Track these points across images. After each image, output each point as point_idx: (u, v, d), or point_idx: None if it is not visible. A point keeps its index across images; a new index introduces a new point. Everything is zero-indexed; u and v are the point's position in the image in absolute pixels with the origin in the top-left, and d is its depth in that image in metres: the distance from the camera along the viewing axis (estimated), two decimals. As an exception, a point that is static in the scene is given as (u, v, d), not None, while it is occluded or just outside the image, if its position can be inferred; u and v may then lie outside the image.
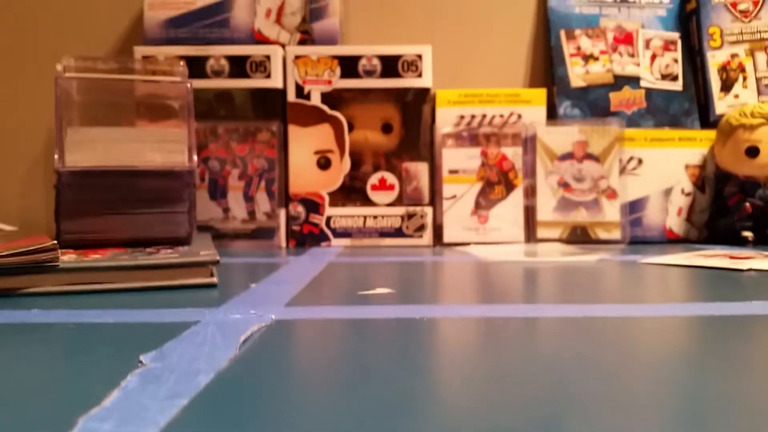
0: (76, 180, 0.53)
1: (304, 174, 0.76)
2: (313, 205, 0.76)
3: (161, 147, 0.56)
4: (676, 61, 0.87)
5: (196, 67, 0.74)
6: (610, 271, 0.53)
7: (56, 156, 0.53)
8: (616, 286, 0.45)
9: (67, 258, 0.45)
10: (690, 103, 0.87)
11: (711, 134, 0.81)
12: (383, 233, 0.76)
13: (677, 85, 0.87)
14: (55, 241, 0.42)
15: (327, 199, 0.76)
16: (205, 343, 0.27)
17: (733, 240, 0.77)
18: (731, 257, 0.60)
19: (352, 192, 0.77)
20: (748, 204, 0.76)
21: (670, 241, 0.80)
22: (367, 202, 0.77)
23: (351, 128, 0.77)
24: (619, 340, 0.28)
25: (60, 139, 0.54)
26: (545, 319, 0.33)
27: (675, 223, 0.80)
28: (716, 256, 0.61)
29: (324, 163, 0.77)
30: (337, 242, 0.76)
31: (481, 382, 0.22)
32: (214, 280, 0.44)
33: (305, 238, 0.76)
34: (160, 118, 0.61)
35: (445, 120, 0.80)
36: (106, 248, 0.51)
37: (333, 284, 0.46)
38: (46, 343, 0.28)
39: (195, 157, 0.56)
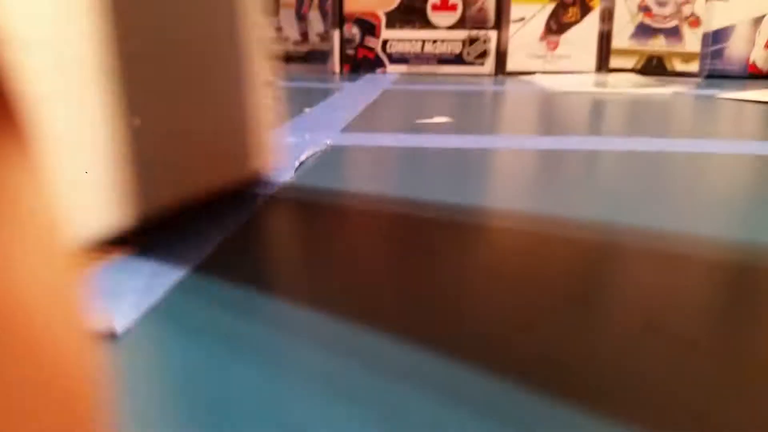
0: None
1: (360, -8, 0.71)
2: (368, 27, 0.72)
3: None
4: None
5: None
6: (685, 106, 0.49)
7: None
8: (689, 120, 0.42)
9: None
10: None
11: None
12: (442, 60, 0.72)
13: None
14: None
15: (384, 19, 0.72)
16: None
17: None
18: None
19: (411, 12, 0.72)
20: None
21: (751, 76, 0.74)
22: (427, 24, 0.72)
23: (411, -60, 0.70)
24: (686, 176, 0.26)
25: None
26: (611, 153, 0.31)
27: (760, 57, 0.73)
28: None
29: (381, -19, 0.71)
30: (392, 68, 0.73)
31: (537, 212, 0.21)
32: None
33: (360, 63, 0.73)
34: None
35: (516, -68, 0.72)
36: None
37: (388, 112, 0.44)
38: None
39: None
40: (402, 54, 0.72)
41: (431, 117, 0.41)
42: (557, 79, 0.65)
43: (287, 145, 0.31)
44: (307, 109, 0.43)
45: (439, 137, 0.35)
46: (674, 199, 0.23)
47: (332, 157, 0.29)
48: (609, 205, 0.22)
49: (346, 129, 0.37)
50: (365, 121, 0.40)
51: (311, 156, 0.29)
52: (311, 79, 0.64)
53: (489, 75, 0.72)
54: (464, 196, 0.23)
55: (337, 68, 0.73)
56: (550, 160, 0.30)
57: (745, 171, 0.28)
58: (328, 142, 0.32)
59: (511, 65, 0.72)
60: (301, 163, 0.28)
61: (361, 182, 0.25)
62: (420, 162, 0.29)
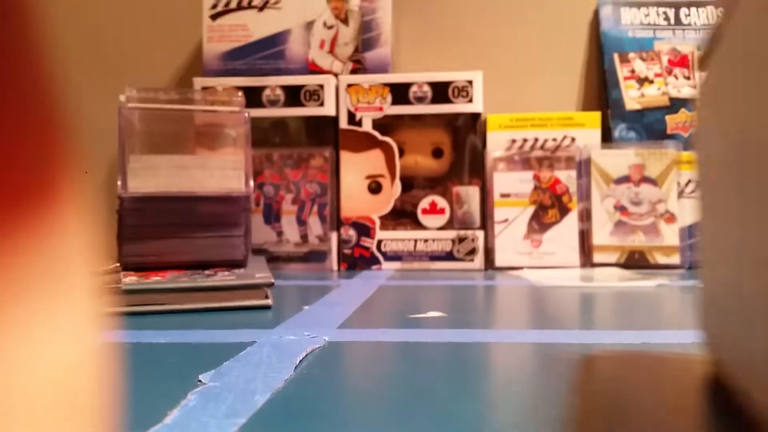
0: (137, 205, 0.55)
1: (356, 198, 0.77)
2: (364, 229, 0.76)
3: (219, 173, 0.58)
4: (735, 81, 0.85)
5: (253, 96, 0.76)
6: (670, 297, 0.51)
7: (119, 182, 0.56)
8: (676, 312, 0.44)
9: (129, 280, 0.46)
10: (751, 124, 0.84)
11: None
12: (434, 257, 0.76)
13: (737, 106, 0.84)
14: (117, 264, 0.43)
15: (378, 222, 0.76)
16: (261, 364, 0.28)
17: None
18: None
19: (402, 216, 0.77)
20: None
21: (732, 266, 0.77)
22: (418, 225, 0.77)
23: (402, 153, 0.77)
24: (679, 369, 0.27)
25: (122, 165, 0.56)
26: (602, 346, 0.32)
27: (737, 248, 0.77)
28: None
29: (375, 188, 0.77)
30: (387, 265, 0.76)
31: (535, 409, 0.22)
32: (269, 302, 0.45)
33: (356, 261, 0.76)
34: (219, 146, 0.63)
35: (497, 143, 0.80)
36: (166, 270, 0.53)
37: (384, 307, 0.46)
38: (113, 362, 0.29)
39: (251, 183, 0.58)
40: (396, 252, 0.76)
41: (425, 312, 0.43)
42: (545, 274, 0.68)
43: (287, 344, 0.32)
44: (305, 307, 0.45)
45: (433, 332, 0.36)
46: (665, 394, 0.24)
47: (329, 353, 0.31)
48: (601, 404, 0.23)
49: (344, 325, 0.38)
50: (362, 317, 0.42)
51: (310, 353, 0.30)
52: (310, 278, 0.67)
53: (479, 270, 0.75)
54: (458, 390, 0.24)
55: (335, 266, 0.76)
56: (543, 354, 0.31)
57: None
58: (326, 339, 0.33)
59: (499, 261, 0.76)
60: (301, 361, 0.29)
61: (357, 379, 0.26)
62: (415, 357, 0.30)
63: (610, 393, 0.23)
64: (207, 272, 0.52)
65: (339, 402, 0.23)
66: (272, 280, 0.46)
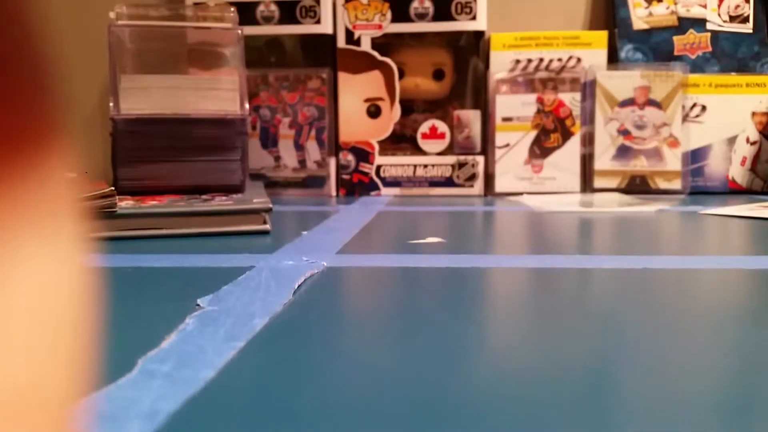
0: (131, 127, 0.54)
1: (354, 122, 0.76)
2: (362, 154, 0.75)
3: (213, 95, 0.56)
4: (747, 0, 0.82)
5: (246, 13, 0.73)
6: (670, 223, 0.51)
7: (111, 104, 0.54)
8: (675, 237, 0.44)
9: (125, 204, 0.46)
10: (761, 46, 0.82)
11: (783, 78, 0.76)
12: (433, 182, 0.75)
13: (747, 28, 0.82)
14: (113, 188, 0.43)
15: (377, 147, 0.75)
16: (259, 288, 0.28)
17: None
18: (800, 209, 0.57)
19: (402, 140, 0.76)
20: (820, 153, 0.72)
21: (732, 191, 0.77)
22: (418, 150, 0.76)
23: (401, 75, 0.75)
24: (677, 293, 0.27)
25: (114, 86, 0.54)
26: (600, 271, 0.32)
27: (738, 173, 0.77)
28: (784, 208, 0.58)
29: (374, 111, 0.76)
30: (386, 191, 0.76)
31: (532, 332, 0.22)
32: (268, 227, 0.45)
33: (355, 186, 0.76)
34: (212, 65, 0.61)
35: (500, 65, 0.77)
36: (163, 195, 0.52)
37: (383, 233, 0.46)
38: (105, 288, 0.29)
39: (246, 105, 0.56)
40: (395, 177, 0.75)
41: (424, 238, 0.43)
42: (544, 199, 0.67)
43: (285, 268, 0.32)
44: (304, 233, 0.45)
45: (431, 257, 0.36)
46: (662, 318, 0.24)
47: (328, 278, 0.31)
48: (598, 326, 0.23)
49: (342, 251, 0.38)
50: (361, 243, 0.41)
51: (309, 278, 0.30)
52: (309, 203, 0.67)
53: (479, 196, 0.75)
54: (457, 315, 0.24)
55: (333, 192, 0.75)
56: (542, 278, 0.31)
57: (734, 286, 0.29)
58: (325, 264, 0.33)
59: (499, 187, 0.75)
60: (299, 286, 0.29)
61: (355, 304, 0.26)
62: (413, 282, 0.30)
63: (606, 313, 0.23)
64: (204, 197, 0.51)
65: (337, 326, 0.22)
66: (270, 206, 0.45)
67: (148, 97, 0.55)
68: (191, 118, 0.55)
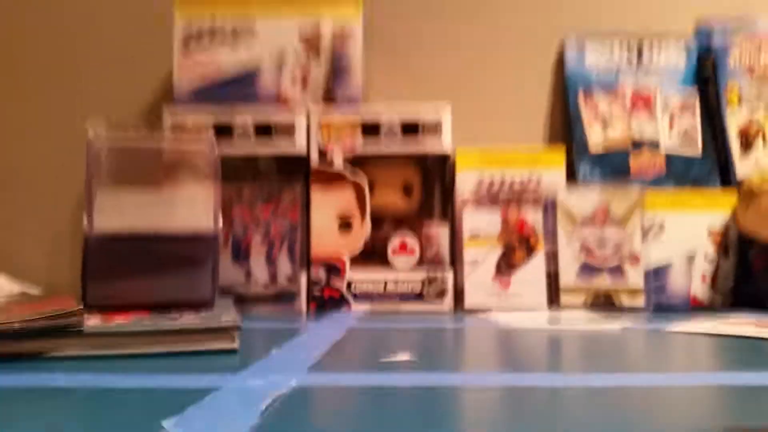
0: (103, 245, 0.54)
1: (326, 237, 0.77)
2: (334, 269, 0.76)
3: (187, 211, 0.57)
4: (694, 127, 0.88)
5: (222, 131, 0.76)
6: (635, 340, 0.52)
7: (85, 221, 0.55)
8: (641, 355, 0.44)
9: (92, 322, 0.45)
10: (710, 167, 0.87)
11: (731, 197, 0.80)
12: (404, 298, 0.76)
13: (696, 151, 0.87)
14: (81, 306, 0.42)
15: (348, 263, 0.76)
16: (225, 411, 0.27)
17: (759, 306, 0.76)
18: (757, 325, 0.59)
19: (372, 255, 0.77)
20: (774, 270, 0.75)
21: (694, 308, 0.79)
22: (388, 266, 0.77)
23: (371, 191, 0.78)
24: (645, 411, 0.28)
25: (89, 204, 0.55)
26: (569, 389, 0.32)
27: (699, 290, 0.79)
28: (742, 324, 0.60)
29: (345, 226, 0.77)
30: (357, 307, 0.76)
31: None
32: (236, 345, 0.45)
33: (326, 302, 0.76)
34: (187, 182, 0.62)
35: (466, 183, 0.80)
36: (130, 312, 0.52)
37: (354, 350, 0.46)
38: (69, 408, 0.28)
39: (220, 221, 0.57)
40: (366, 293, 0.76)
41: (394, 355, 0.43)
42: (513, 316, 0.68)
43: (253, 389, 0.32)
44: (273, 350, 0.45)
45: (402, 376, 0.36)
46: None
47: (297, 398, 0.30)
48: (563, 442, 0.23)
49: (312, 369, 0.38)
50: (331, 361, 0.41)
51: (277, 399, 0.30)
52: (279, 320, 0.66)
53: (448, 312, 0.75)
54: (425, 436, 0.24)
55: (303, 308, 0.75)
56: (510, 397, 0.31)
57: (699, 403, 0.30)
58: (294, 384, 0.33)
59: (468, 303, 0.76)
60: (267, 407, 0.28)
61: (325, 425, 0.26)
62: (385, 402, 0.30)
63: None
64: (172, 314, 0.51)
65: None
66: (239, 323, 0.45)
67: (122, 214, 0.56)
68: (164, 236, 0.55)
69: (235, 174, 0.76)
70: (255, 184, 0.76)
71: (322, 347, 0.47)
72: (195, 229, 0.56)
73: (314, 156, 0.77)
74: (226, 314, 0.50)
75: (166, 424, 0.25)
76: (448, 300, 0.76)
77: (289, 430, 0.25)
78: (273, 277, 0.74)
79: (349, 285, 0.76)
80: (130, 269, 0.54)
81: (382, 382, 0.34)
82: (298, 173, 0.77)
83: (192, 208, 0.57)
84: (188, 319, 0.47)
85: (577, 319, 0.66)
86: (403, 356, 0.43)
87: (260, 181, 0.77)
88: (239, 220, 0.75)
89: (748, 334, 0.54)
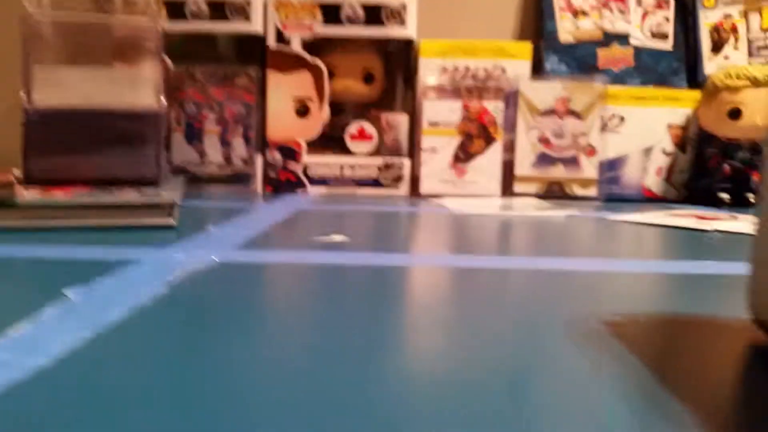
0: (43, 119, 0.53)
1: (282, 121, 0.76)
2: (290, 153, 0.76)
3: (130, 88, 0.55)
4: (667, 19, 0.86)
5: (175, 8, 0.72)
6: (576, 227, 0.53)
7: (23, 94, 0.53)
8: (576, 241, 0.45)
9: (29, 195, 0.45)
10: (679, 63, 0.85)
11: (696, 94, 0.80)
12: (360, 183, 0.76)
13: (667, 44, 0.85)
14: (13, 178, 0.42)
15: (305, 146, 0.76)
16: (135, 281, 0.28)
17: (711, 201, 0.77)
18: (699, 218, 0.60)
19: (330, 141, 0.77)
20: (727, 166, 0.76)
21: (647, 200, 0.80)
22: (345, 151, 0.76)
23: (332, 77, 0.76)
24: (579, 291, 0.29)
25: (26, 77, 0.53)
26: (514, 271, 0.33)
27: (653, 183, 0.80)
28: (685, 216, 0.61)
29: (302, 111, 0.76)
30: (313, 190, 0.76)
31: (436, 329, 0.23)
32: (171, 221, 0.45)
33: (282, 185, 0.76)
34: (132, 59, 0.60)
35: (428, 71, 0.79)
36: (72, 186, 0.52)
37: (292, 231, 0.47)
38: (-17, 276, 0.29)
39: (163, 100, 0.56)
40: (322, 176, 0.76)
41: (329, 235, 0.44)
42: (466, 202, 0.69)
43: (172, 262, 0.32)
44: (211, 228, 0.45)
45: (332, 254, 0.37)
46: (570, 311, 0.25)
47: (215, 273, 0.31)
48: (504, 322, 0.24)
49: (243, 246, 0.38)
50: (266, 239, 0.42)
51: (190, 272, 0.30)
52: (233, 200, 0.67)
53: (404, 197, 0.76)
54: (334, 310, 0.25)
55: (259, 189, 0.75)
56: (449, 275, 0.32)
57: (628, 286, 0.31)
58: (215, 259, 0.34)
59: (424, 189, 0.76)
60: (176, 280, 0.29)
61: (229, 299, 0.26)
62: (304, 278, 0.30)
63: (521, 306, 0.24)
64: (114, 190, 0.50)
65: (198, 322, 0.23)
66: (175, 200, 0.45)
67: (62, 89, 0.54)
68: (105, 111, 0.54)
69: (188, 53, 0.74)
70: (210, 64, 0.74)
71: (262, 226, 0.47)
72: (139, 106, 0.55)
73: (271, 37, 0.75)
74: (168, 191, 0.49)
75: (69, 292, 0.26)
76: (404, 186, 0.76)
77: (191, 302, 0.26)
78: (228, 158, 0.74)
79: (305, 169, 0.76)
80: (73, 145, 0.53)
81: (309, 261, 0.35)
82: (254, 55, 0.75)
83: (136, 85, 0.56)
84: (128, 195, 0.47)
85: (528, 207, 0.67)
86: (339, 237, 0.43)
87: (215, 62, 0.75)
88: (192, 101, 0.73)
89: (687, 226, 0.55)
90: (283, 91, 0.76)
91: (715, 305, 0.27)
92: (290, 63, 0.75)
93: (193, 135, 0.74)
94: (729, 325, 0.24)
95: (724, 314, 0.25)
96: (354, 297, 0.27)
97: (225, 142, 0.74)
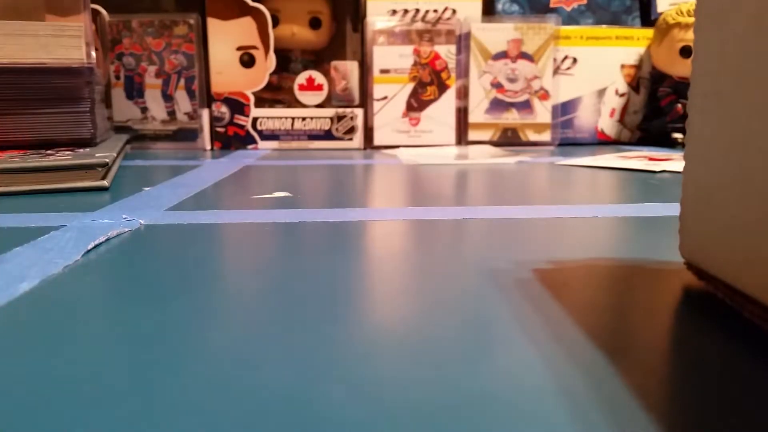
0: (-37, 77, 0.50)
1: (227, 72, 0.73)
2: (237, 106, 0.73)
3: (57, 42, 0.52)
4: (620, -46, 0.84)
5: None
6: (525, 174, 0.52)
7: (-61, 51, 0.50)
8: (523, 188, 0.45)
9: (-48, 161, 0.42)
10: (632, 1, 0.84)
11: (649, 33, 0.79)
12: (312, 136, 0.74)
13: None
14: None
15: (252, 99, 0.73)
16: (52, 249, 0.26)
17: (666, 142, 0.78)
18: (650, 159, 0.60)
19: (278, 92, 0.74)
20: (680, 105, 0.76)
21: (601, 142, 0.80)
22: (295, 102, 0.74)
23: (276, 22, 0.73)
24: (523, 237, 0.28)
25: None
26: (455, 221, 0.33)
27: (607, 125, 0.80)
28: (636, 158, 0.61)
29: (247, 60, 0.73)
30: (264, 144, 0.74)
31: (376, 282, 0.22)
32: (104, 183, 0.43)
33: (230, 140, 0.74)
34: (58, 11, 0.56)
35: (377, 14, 0.76)
36: (4, 152, 0.49)
37: (232, 189, 0.45)
38: None
39: (93, 53, 0.53)
40: (273, 131, 0.74)
41: (271, 192, 0.42)
42: (420, 152, 0.68)
43: (96, 227, 0.31)
44: (146, 188, 0.43)
45: (271, 212, 0.35)
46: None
47: (140, 237, 0.29)
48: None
49: (176, 207, 0.37)
50: (202, 199, 0.40)
51: (113, 237, 0.29)
52: (179, 157, 0.64)
53: (358, 149, 0.74)
54: (269, 267, 0.24)
55: (207, 145, 0.73)
56: (395, 229, 0.31)
57: (574, 230, 0.30)
58: (142, 222, 0.32)
59: (378, 140, 0.75)
60: (98, 245, 0.27)
61: (150, 265, 0.25)
62: (246, 238, 0.29)
63: (453, 257, 0.23)
64: (48, 152, 0.48)
65: (111, 291, 0.22)
66: (106, 160, 0.43)
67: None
68: (31, 67, 0.51)
69: (123, 3, 0.70)
70: (145, 13, 0.70)
71: (202, 185, 0.45)
72: (67, 60, 0.52)
73: (211, -19, 0.71)
74: (103, 151, 0.47)
75: (-23, 263, 0.24)
76: (358, 137, 0.75)
77: (107, 270, 0.24)
78: (171, 113, 0.71)
79: (254, 122, 0.73)
80: (1, 104, 0.50)
81: (245, 219, 0.33)
82: (193, 1, 0.71)
83: (61, 38, 0.52)
84: (60, 157, 0.45)
85: (483, 154, 0.66)
86: (280, 194, 0.42)
87: (151, 12, 0.71)
88: (130, 53, 0.70)
89: (636, 167, 0.55)
90: (226, 39, 0.72)
91: (653, 249, 0.27)
92: (231, 9, 0.72)
93: (134, 90, 0.70)
94: (663, 269, 0.23)
95: (660, 257, 0.25)
96: (297, 253, 0.26)
97: (167, 97, 0.71)
